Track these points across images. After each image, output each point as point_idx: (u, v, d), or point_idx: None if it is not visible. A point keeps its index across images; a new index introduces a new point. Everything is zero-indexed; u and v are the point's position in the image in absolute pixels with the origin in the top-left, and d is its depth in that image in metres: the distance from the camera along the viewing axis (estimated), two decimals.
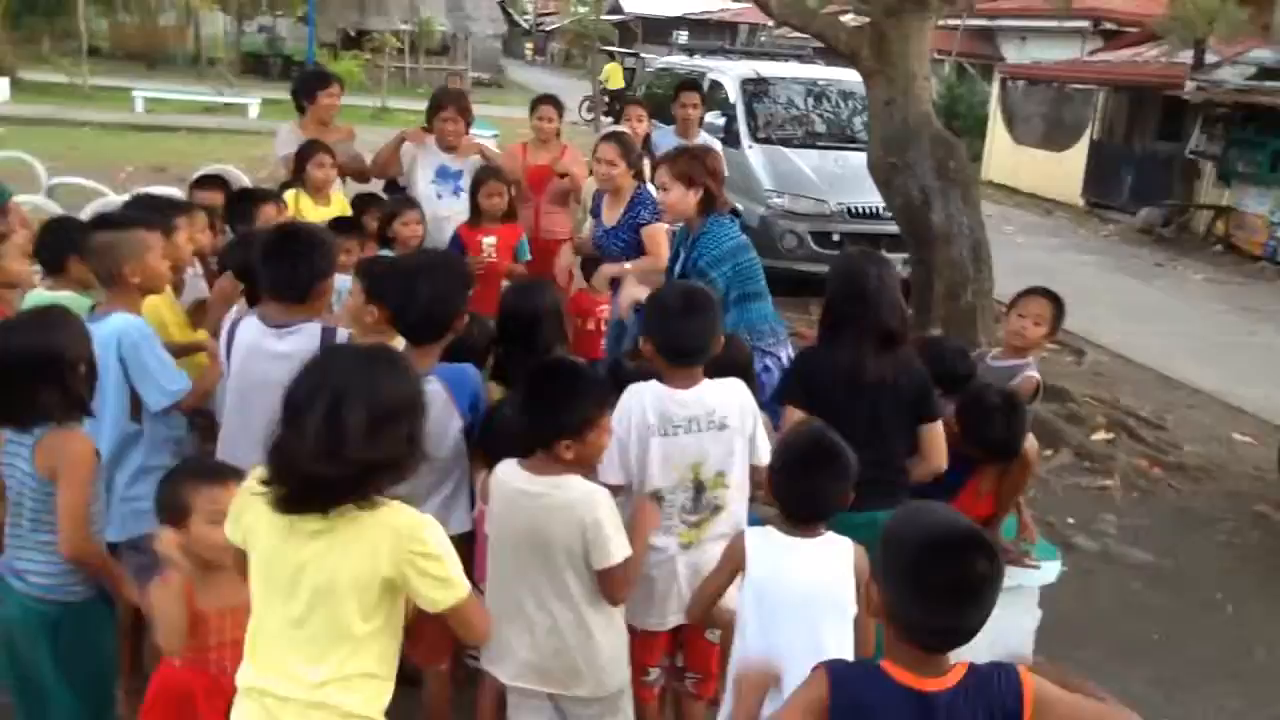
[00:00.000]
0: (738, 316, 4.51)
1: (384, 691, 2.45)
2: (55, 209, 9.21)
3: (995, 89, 23.12)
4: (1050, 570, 4.18)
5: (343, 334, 3.45)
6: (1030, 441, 3.86)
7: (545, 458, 2.91)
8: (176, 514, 2.72)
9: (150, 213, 3.78)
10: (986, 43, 26.32)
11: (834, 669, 2.15)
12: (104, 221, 3.60)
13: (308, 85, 6.47)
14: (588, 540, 2.86)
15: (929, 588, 2.00)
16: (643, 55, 31.09)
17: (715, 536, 3.25)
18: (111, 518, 3.32)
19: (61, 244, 3.94)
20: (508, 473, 2.97)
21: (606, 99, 27.55)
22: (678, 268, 4.70)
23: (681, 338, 3.25)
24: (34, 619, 2.90)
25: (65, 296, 3.73)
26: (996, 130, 22.82)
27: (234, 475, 2.74)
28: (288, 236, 3.54)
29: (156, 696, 2.76)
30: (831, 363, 3.59)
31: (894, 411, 3.55)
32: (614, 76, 30.12)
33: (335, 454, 2.23)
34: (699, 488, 3.25)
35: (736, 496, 3.34)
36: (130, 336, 3.38)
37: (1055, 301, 4.39)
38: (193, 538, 2.71)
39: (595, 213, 5.66)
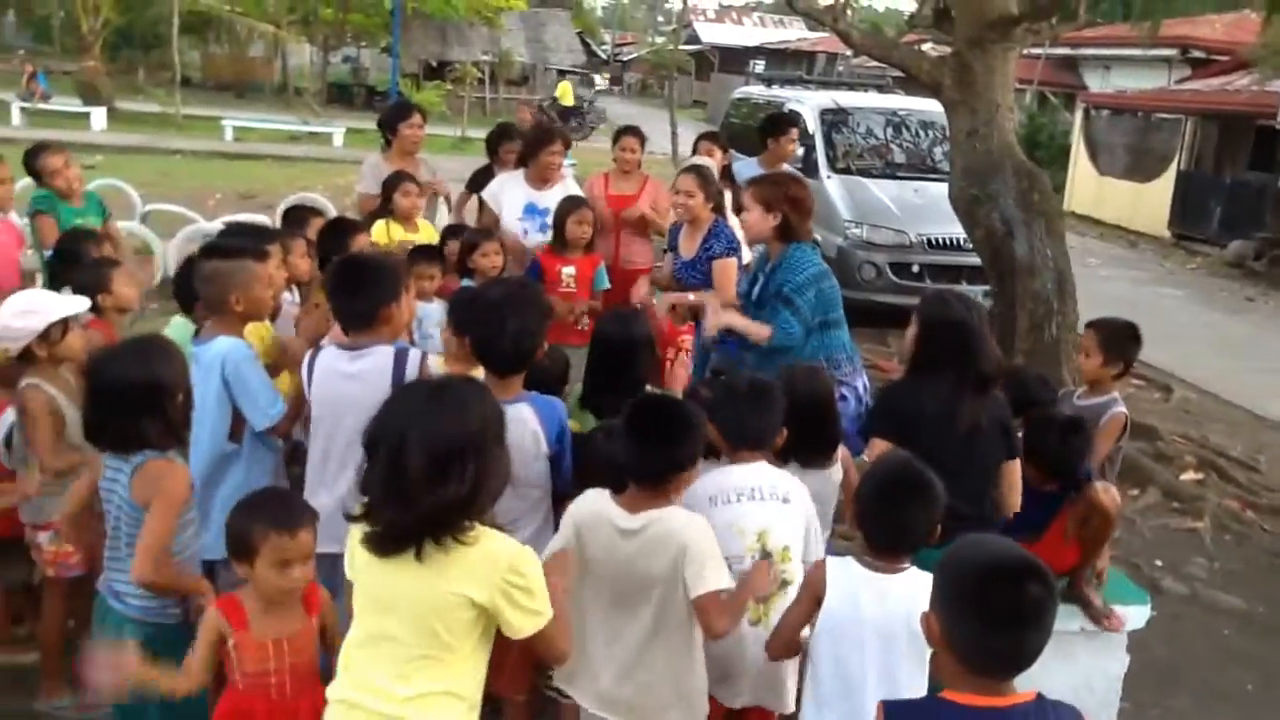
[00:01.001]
0: (817, 344, 4.52)
1: (467, 713, 2.48)
2: (149, 235, 9.54)
3: (1078, 118, 22.79)
4: (1138, 614, 4.06)
5: (415, 355, 3.48)
6: (1109, 490, 3.77)
7: (643, 493, 2.91)
8: (242, 551, 2.75)
9: (253, 241, 3.87)
10: (1069, 72, 25.98)
11: (890, 708, 2.18)
12: (213, 250, 3.70)
13: (391, 117, 6.62)
14: (687, 566, 2.84)
15: (987, 613, 2.03)
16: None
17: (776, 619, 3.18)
18: (209, 536, 3.37)
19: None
20: (600, 508, 2.95)
21: (556, 115, 28.41)
22: (755, 291, 4.70)
23: (748, 430, 3.29)
24: (129, 639, 2.96)
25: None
26: (1079, 160, 22.47)
27: (307, 522, 2.77)
28: (350, 267, 3.62)
29: (221, 719, 2.81)
30: (921, 400, 3.56)
31: (982, 449, 3.51)
32: (565, 94, 31.00)
33: (402, 498, 2.30)
34: (766, 554, 3.19)
35: (800, 579, 3.28)
36: (234, 359, 3.48)
37: (1103, 332, 4.30)
38: (256, 577, 2.75)
39: (673, 246, 5.67)
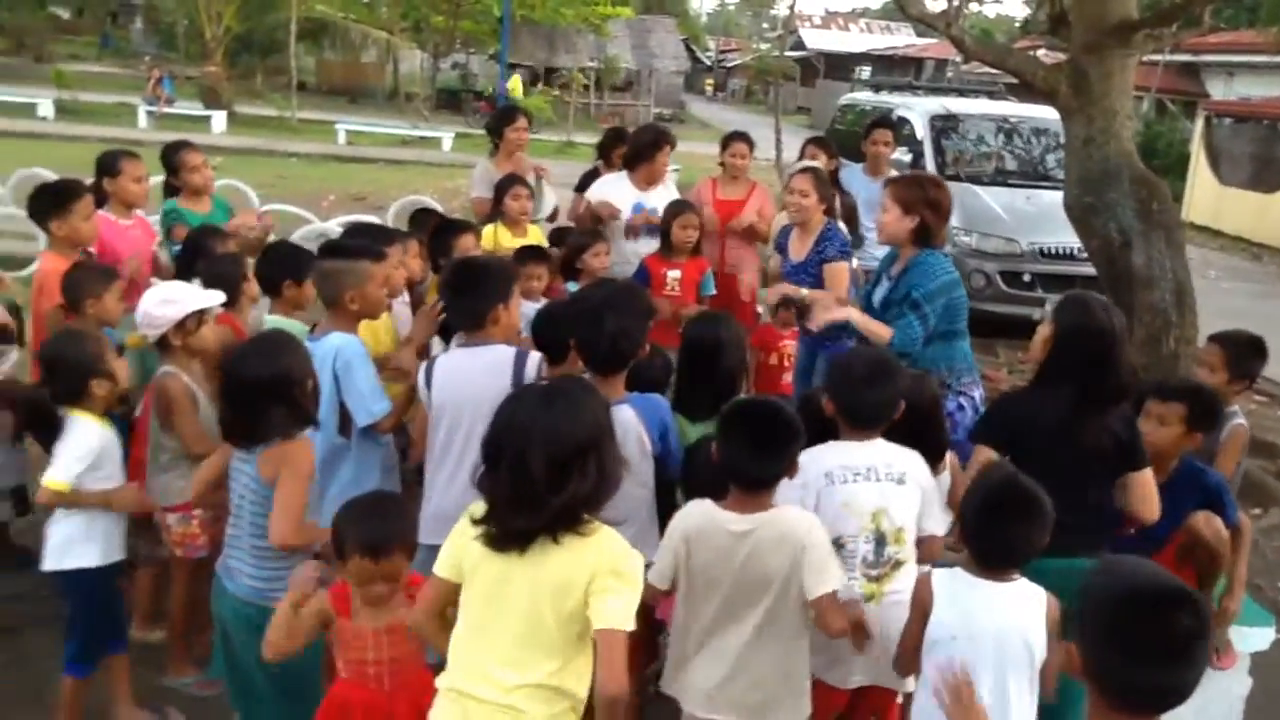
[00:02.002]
0: (939, 353, 4.44)
1: (571, 709, 2.51)
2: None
3: (1199, 127, 22.06)
4: (1262, 637, 3.94)
5: (534, 358, 3.57)
6: (1211, 521, 3.67)
7: (749, 496, 2.92)
8: (338, 552, 2.82)
9: (370, 241, 3.99)
10: (1190, 78, 25.17)
11: None
12: (332, 249, 3.83)
13: (498, 121, 6.76)
14: (804, 567, 2.86)
15: (1133, 645, 1.90)
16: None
17: (896, 598, 3.18)
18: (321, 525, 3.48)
19: (278, 269, 4.22)
20: (708, 516, 2.96)
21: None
22: (880, 294, 4.63)
23: (864, 406, 3.27)
24: (243, 619, 3.10)
25: (292, 323, 4.01)
26: (1199, 170, 21.74)
27: (398, 548, 2.79)
28: (460, 269, 3.72)
29: (324, 708, 2.90)
30: (1039, 410, 3.48)
31: (1098, 459, 3.42)
32: (515, 87, 31.22)
33: (528, 502, 2.37)
34: (880, 539, 3.20)
35: (914, 557, 3.29)
36: (345, 355, 3.60)
37: (1227, 345, 4.15)
38: (348, 577, 2.83)
39: (781, 248, 5.65)
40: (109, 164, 5.24)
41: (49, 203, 4.58)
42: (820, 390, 3.83)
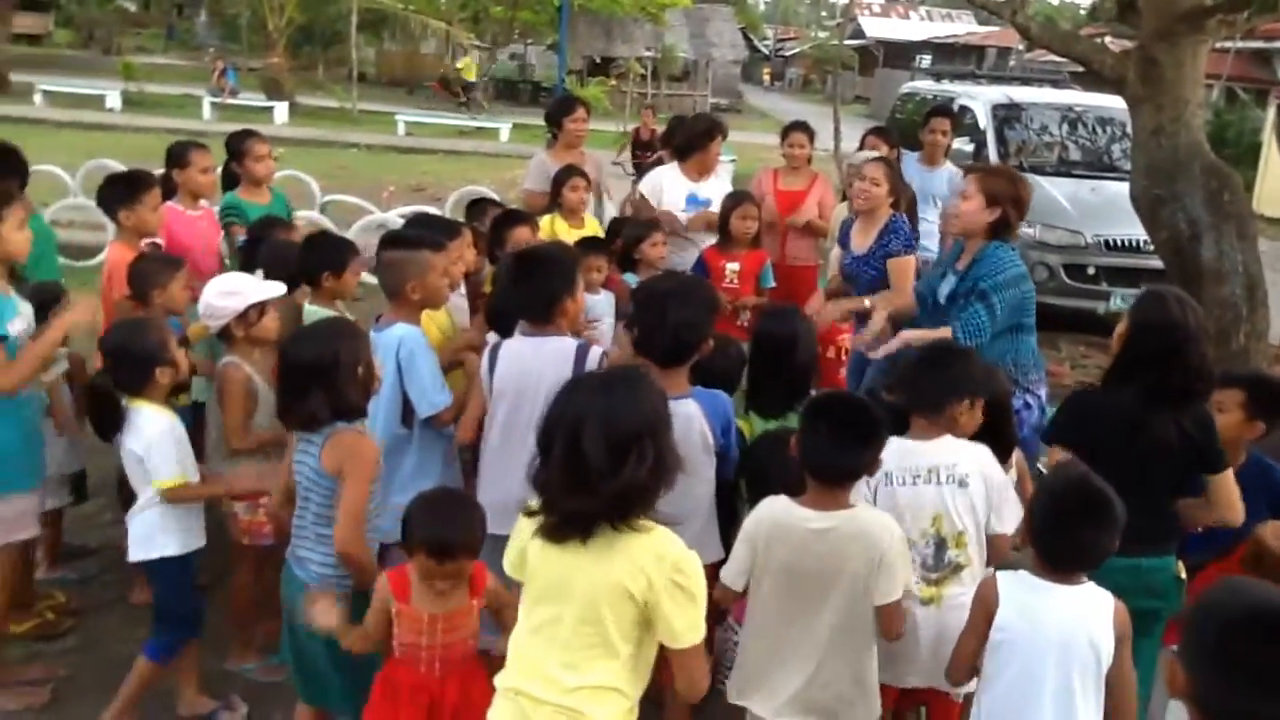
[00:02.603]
0: (1007, 347, 4.36)
1: (629, 710, 2.50)
2: (328, 224, 9.96)
3: (1271, 115, 21.50)
4: None
5: (595, 351, 3.56)
6: None
7: (828, 492, 2.89)
8: (405, 544, 2.86)
9: (433, 233, 4.00)
10: (1262, 66, 24.55)
11: None
12: (393, 240, 3.85)
13: (556, 112, 6.75)
14: (881, 572, 2.83)
15: (1244, 673, 1.76)
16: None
17: (956, 601, 3.15)
18: (385, 519, 3.50)
19: (318, 260, 4.25)
20: (785, 512, 2.92)
21: (461, 89, 29.89)
22: (946, 288, 4.53)
23: (927, 391, 3.23)
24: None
25: (330, 314, 4.04)
26: (1272, 160, 21.16)
27: (462, 553, 2.82)
28: (526, 259, 3.70)
29: (377, 686, 2.95)
30: (1112, 407, 3.41)
31: (1166, 458, 3.34)
32: (468, 67, 31.72)
33: (583, 487, 2.33)
34: (940, 544, 3.18)
35: (976, 560, 3.25)
36: (409, 345, 3.62)
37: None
38: (415, 566, 2.86)
39: (844, 241, 5.59)
40: (178, 155, 5.32)
41: (118, 193, 4.66)
42: (886, 386, 3.79)
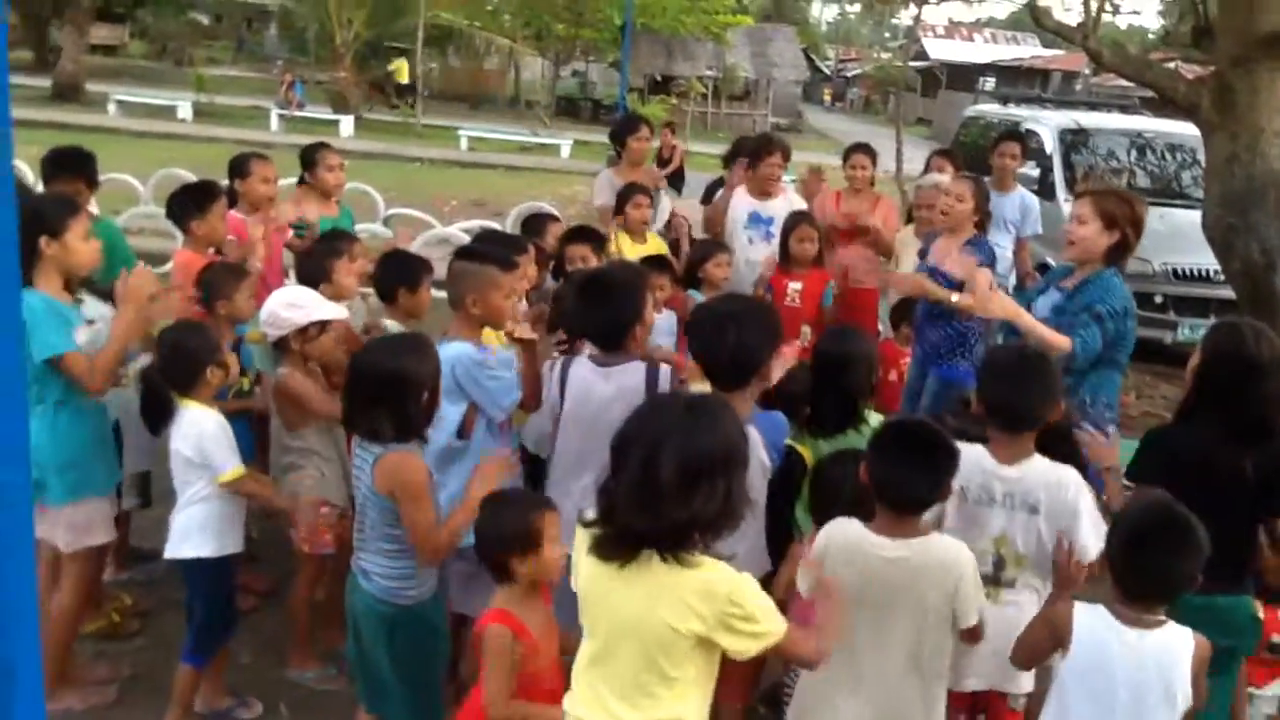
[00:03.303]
0: (1098, 381, 4.20)
1: None
2: (390, 236, 10.09)
3: None
4: None
5: (665, 372, 3.53)
6: None
7: (899, 519, 2.85)
8: (528, 542, 2.84)
9: (504, 250, 4.01)
10: None
11: None
12: (465, 253, 3.88)
13: (620, 130, 6.79)
14: (959, 598, 2.80)
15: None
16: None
17: (1013, 600, 3.15)
18: None
19: (392, 276, 4.30)
20: (859, 538, 2.88)
21: (393, 92, 30.34)
22: (1047, 302, 4.37)
23: (1016, 404, 3.14)
24: (375, 616, 3.15)
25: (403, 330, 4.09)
26: None
27: (548, 503, 2.90)
28: (596, 281, 3.68)
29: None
30: (1187, 445, 3.32)
31: (1240, 494, 3.25)
32: (401, 71, 31.70)
33: (649, 507, 2.27)
34: (1000, 563, 3.14)
35: (1034, 578, 3.21)
36: (464, 362, 3.61)
37: None
38: (544, 561, 2.85)
39: (924, 254, 5.51)
40: (240, 165, 5.46)
41: (189, 203, 4.75)
42: (950, 414, 3.74)
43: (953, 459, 2.86)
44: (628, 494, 2.30)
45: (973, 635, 2.90)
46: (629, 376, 3.49)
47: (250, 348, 4.30)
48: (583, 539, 2.46)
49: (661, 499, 2.26)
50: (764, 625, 2.37)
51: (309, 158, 5.70)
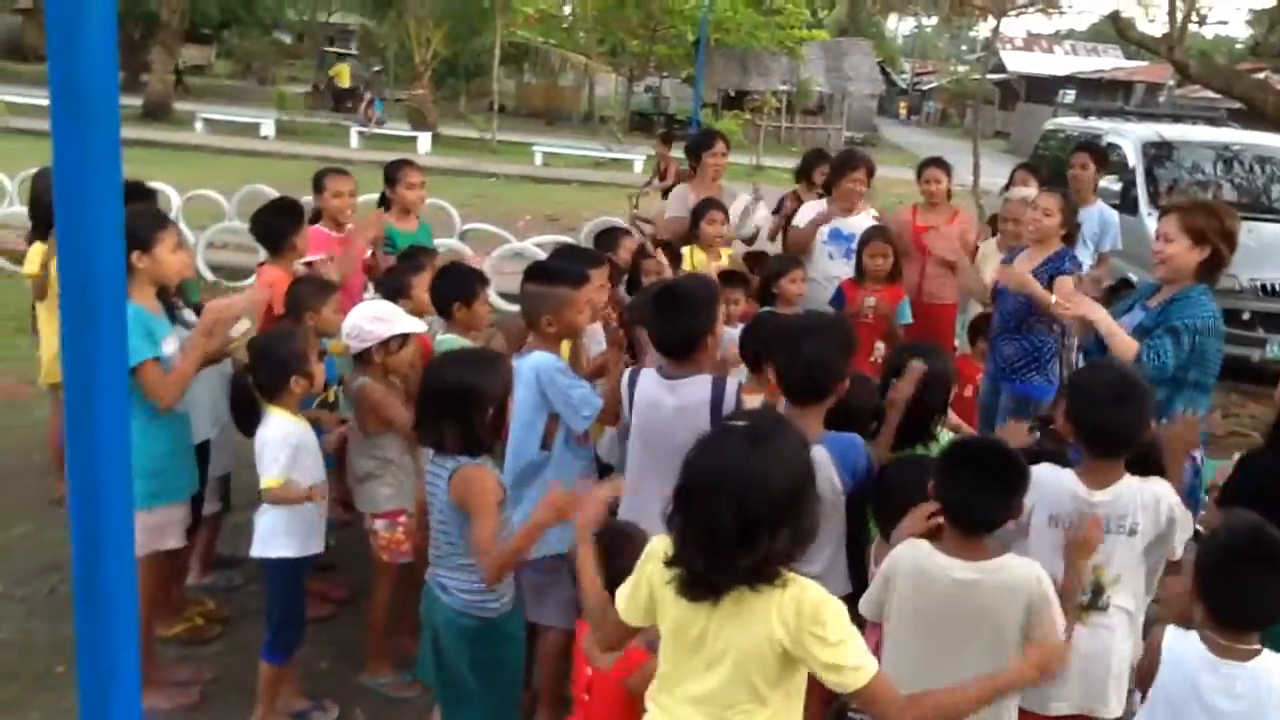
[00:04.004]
0: (1186, 401, 4.06)
1: None
2: (467, 252, 10.23)
3: None
4: None
5: (731, 385, 3.53)
6: None
7: (970, 540, 2.80)
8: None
9: (575, 265, 4.06)
10: None
11: None
12: (537, 272, 3.92)
13: (696, 145, 6.80)
14: (1033, 621, 2.73)
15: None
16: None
17: (1103, 623, 3.08)
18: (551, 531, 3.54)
19: (449, 291, 4.36)
20: (928, 560, 2.83)
21: (332, 96, 30.74)
22: (1132, 319, 4.28)
23: (1110, 428, 3.07)
24: (455, 629, 3.19)
25: (464, 344, 4.14)
26: None
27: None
28: (668, 294, 3.69)
29: None
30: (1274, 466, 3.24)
31: None
32: (342, 75, 31.79)
33: (719, 557, 2.24)
34: (1098, 589, 3.07)
35: (1129, 598, 3.14)
36: (546, 371, 3.66)
37: None
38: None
39: (1007, 263, 5.44)
40: (319, 181, 5.59)
41: (274, 223, 4.86)
42: (1041, 424, 3.67)
43: (1024, 478, 2.81)
44: (696, 543, 2.27)
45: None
46: (694, 390, 3.50)
47: (333, 359, 4.40)
48: (658, 573, 2.40)
49: (729, 549, 2.22)
50: (851, 657, 2.29)
51: (392, 175, 5.82)
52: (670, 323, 3.60)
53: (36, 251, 5.31)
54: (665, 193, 12.99)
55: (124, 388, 1.54)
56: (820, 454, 3.24)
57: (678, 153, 10.12)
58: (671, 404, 3.53)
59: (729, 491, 2.22)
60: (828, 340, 3.38)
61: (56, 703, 3.95)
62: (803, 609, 2.27)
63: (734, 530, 2.21)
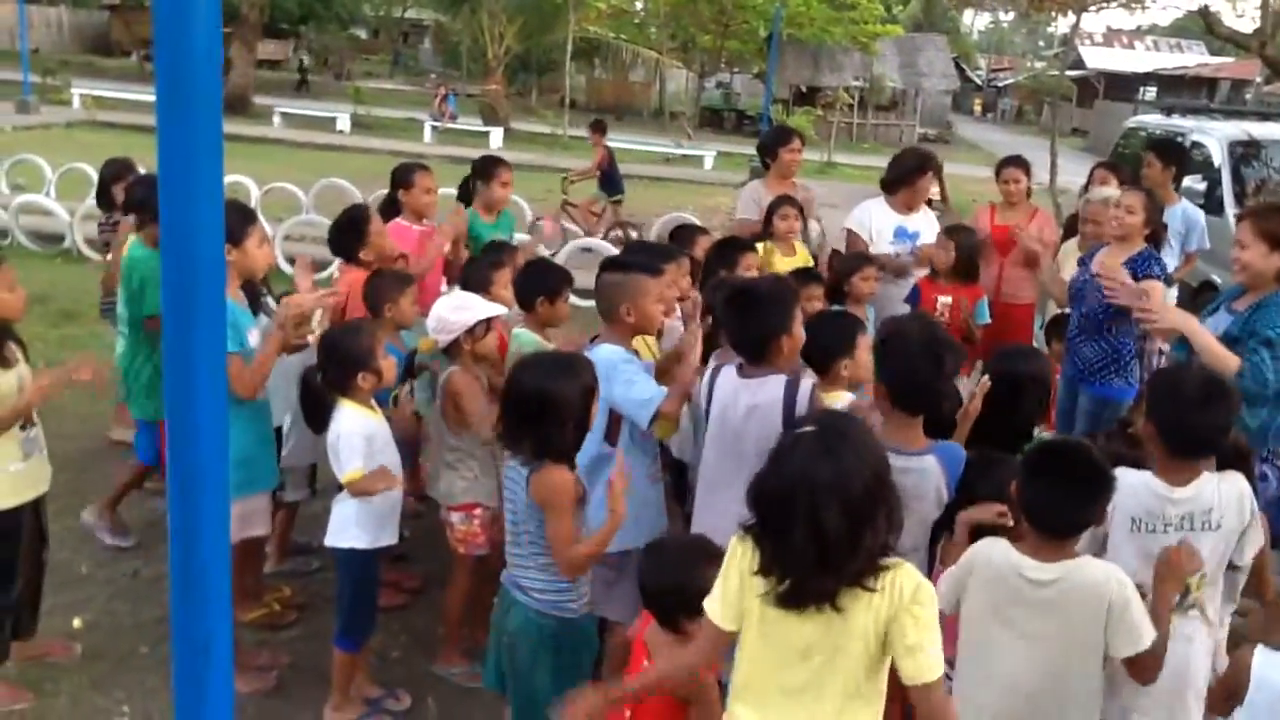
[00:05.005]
0: (1270, 416, 3.97)
1: None
2: (540, 248, 10.30)
3: None
4: None
5: (805, 386, 3.48)
6: None
7: (1051, 543, 2.75)
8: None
9: (651, 258, 4.07)
10: None
11: None
12: (612, 264, 3.94)
13: (772, 141, 6.75)
14: (1115, 624, 2.68)
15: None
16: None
17: (1185, 633, 3.00)
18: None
19: (534, 285, 4.37)
20: (1004, 558, 2.80)
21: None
22: (1217, 325, 4.18)
23: (1195, 430, 3.00)
24: (534, 630, 3.19)
25: (537, 339, 4.21)
26: None
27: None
28: (742, 294, 3.66)
29: None
30: None
31: None
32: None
33: (823, 565, 2.23)
34: (1184, 589, 2.99)
35: (1210, 605, 3.07)
36: (612, 362, 3.64)
37: None
38: None
39: (1083, 262, 5.30)
40: (403, 176, 5.62)
41: (348, 237, 4.90)
42: (1120, 427, 3.60)
43: (1110, 482, 2.75)
44: (797, 554, 2.25)
45: (1141, 668, 2.74)
46: (768, 390, 3.48)
47: (398, 352, 4.45)
48: (756, 586, 2.38)
49: (835, 553, 2.22)
50: (932, 643, 2.29)
51: (486, 170, 5.87)
52: (744, 323, 3.58)
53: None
54: (601, 180, 13.32)
55: (223, 377, 1.57)
56: (930, 463, 3.21)
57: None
58: (746, 403, 3.52)
59: (824, 495, 2.21)
60: (945, 352, 3.28)
61: (140, 683, 4.06)
62: (903, 588, 2.29)
63: (842, 531, 2.20)
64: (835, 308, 5.19)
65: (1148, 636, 2.68)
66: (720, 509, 3.49)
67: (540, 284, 4.38)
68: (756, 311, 3.55)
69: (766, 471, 2.33)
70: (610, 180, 13.37)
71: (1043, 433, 3.73)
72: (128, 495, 5.18)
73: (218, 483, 1.55)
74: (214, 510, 1.55)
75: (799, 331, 3.60)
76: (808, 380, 3.54)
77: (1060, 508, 2.73)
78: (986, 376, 3.54)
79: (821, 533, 2.20)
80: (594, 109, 37.55)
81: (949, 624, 2.94)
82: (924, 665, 2.28)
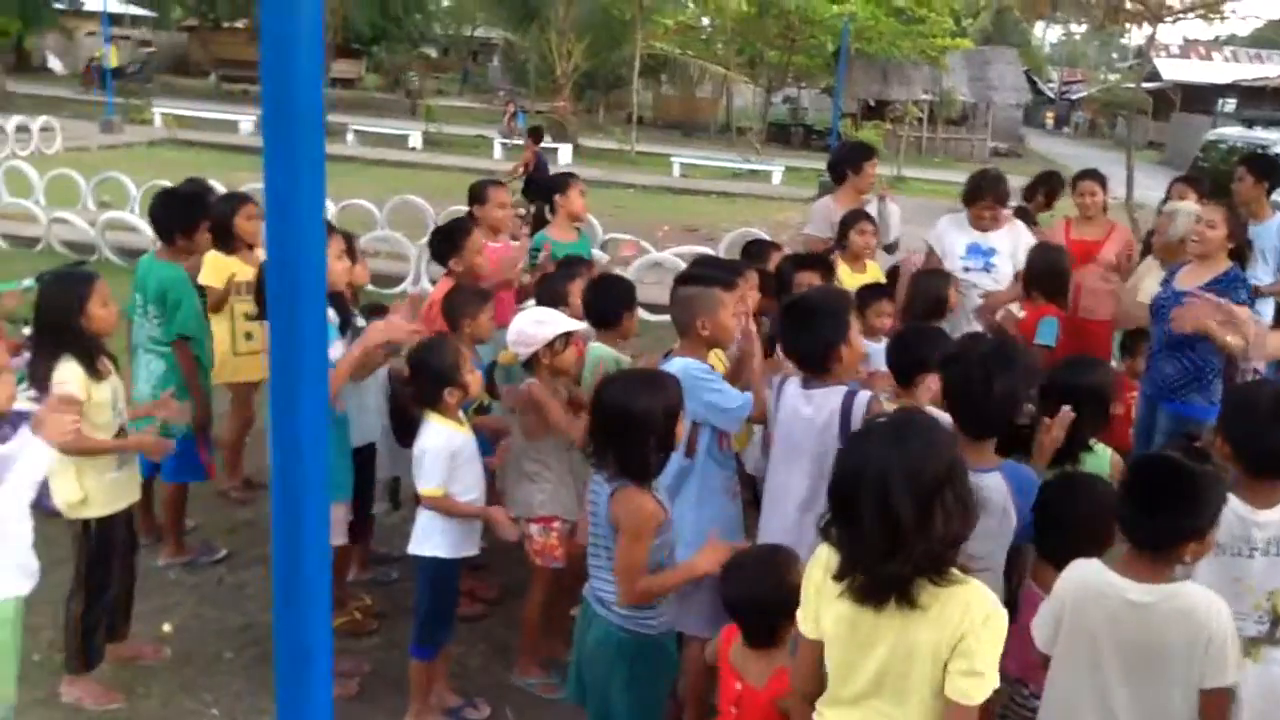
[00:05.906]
0: None
1: None
2: (606, 260, 10.38)
3: None
4: None
5: (862, 398, 3.48)
6: None
7: (1148, 563, 2.67)
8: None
9: (723, 272, 4.09)
10: None
11: None
12: (687, 279, 3.98)
13: (850, 157, 6.72)
14: (1207, 655, 2.58)
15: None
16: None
17: (1272, 659, 2.96)
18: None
19: (607, 299, 4.44)
20: (1099, 578, 2.72)
21: (100, 77, 29.69)
22: None
23: (1271, 447, 2.95)
24: (613, 643, 3.20)
25: (610, 352, 4.28)
26: None
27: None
28: (796, 306, 3.69)
29: None
30: None
31: None
32: (111, 56, 30.68)
33: (897, 549, 2.25)
34: (1275, 620, 2.92)
35: None
36: (691, 373, 3.64)
37: None
38: None
39: (1167, 281, 5.25)
40: (478, 192, 5.73)
41: (445, 245, 5.06)
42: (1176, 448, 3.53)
43: (1206, 496, 2.64)
44: (869, 542, 2.28)
45: (1215, 705, 2.62)
46: (827, 401, 3.50)
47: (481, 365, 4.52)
48: (832, 590, 2.41)
49: (905, 538, 2.24)
50: (992, 666, 2.31)
51: (561, 185, 5.96)
52: (799, 335, 3.61)
53: (216, 262, 5.28)
54: (527, 186, 13.50)
55: (324, 391, 1.62)
56: (996, 480, 3.16)
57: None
58: (806, 414, 3.54)
59: (895, 478, 2.26)
60: (1014, 370, 3.19)
61: (227, 686, 4.17)
62: (975, 611, 2.30)
63: (912, 512, 2.23)
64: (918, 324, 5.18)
65: (1231, 674, 2.60)
66: (785, 520, 3.53)
67: (622, 298, 4.45)
68: (812, 323, 3.58)
69: (839, 462, 2.40)
70: (536, 184, 13.41)
71: (1098, 443, 3.65)
72: (184, 513, 5.27)
73: (319, 494, 1.60)
74: (316, 520, 1.60)
75: (857, 342, 3.61)
76: (864, 392, 3.54)
77: (1156, 524, 2.64)
78: (1068, 407, 3.44)
79: (892, 516, 2.24)
80: (661, 125, 37.71)
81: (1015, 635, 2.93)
82: (976, 688, 2.30)
